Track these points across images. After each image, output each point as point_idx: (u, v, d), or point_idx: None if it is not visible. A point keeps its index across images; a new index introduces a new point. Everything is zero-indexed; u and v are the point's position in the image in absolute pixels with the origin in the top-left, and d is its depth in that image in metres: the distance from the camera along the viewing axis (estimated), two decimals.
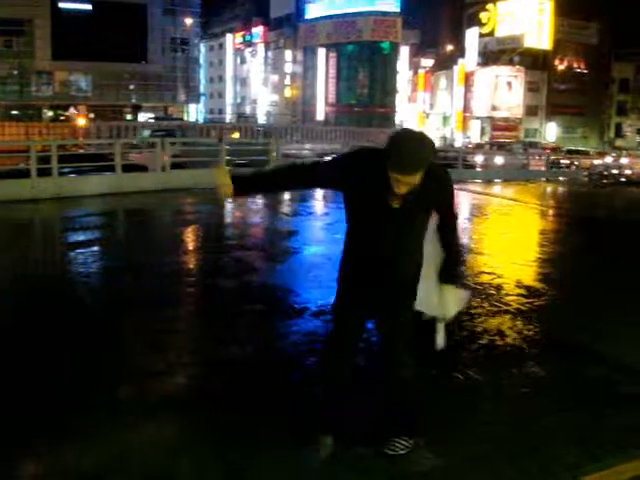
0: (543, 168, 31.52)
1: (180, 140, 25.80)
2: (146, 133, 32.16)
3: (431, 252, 3.51)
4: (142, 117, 64.71)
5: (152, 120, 53.96)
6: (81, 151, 19.28)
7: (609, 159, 41.92)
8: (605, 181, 31.65)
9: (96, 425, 3.82)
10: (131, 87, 72.23)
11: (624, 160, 43.14)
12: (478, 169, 28.21)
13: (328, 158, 3.56)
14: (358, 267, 3.43)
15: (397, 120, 72.06)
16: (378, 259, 3.34)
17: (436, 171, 3.22)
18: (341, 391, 3.62)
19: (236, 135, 40.63)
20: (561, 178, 29.81)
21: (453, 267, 3.62)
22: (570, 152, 43.41)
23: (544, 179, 28.74)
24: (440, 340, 3.63)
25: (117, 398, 4.21)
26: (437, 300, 3.59)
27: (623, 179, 33.91)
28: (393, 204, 3.17)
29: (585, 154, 43.72)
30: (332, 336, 3.64)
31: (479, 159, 31.07)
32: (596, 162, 38.33)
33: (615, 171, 36.37)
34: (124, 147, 19.00)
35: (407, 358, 3.52)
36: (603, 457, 3.58)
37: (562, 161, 35.46)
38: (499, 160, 30.57)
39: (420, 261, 3.47)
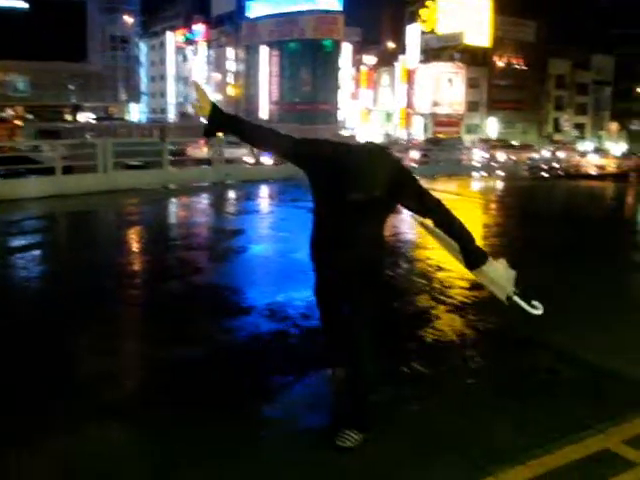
0: (479, 164, 31.78)
1: (122, 141, 25.41)
2: (29, 133, 30.73)
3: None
4: (82, 117, 63.52)
5: (93, 121, 53.01)
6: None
7: (546, 153, 42.82)
8: (545, 174, 32.38)
9: (43, 432, 3.75)
10: (70, 87, 70.80)
11: (560, 154, 44.23)
12: (414, 165, 28.13)
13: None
14: (319, 252, 3.60)
15: (340, 117, 72.32)
16: (335, 246, 3.48)
17: (393, 168, 3.28)
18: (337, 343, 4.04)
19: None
20: (500, 172, 30.27)
21: (472, 248, 3.60)
22: (511, 146, 44.42)
23: (484, 174, 29.17)
24: (529, 309, 3.71)
25: (63, 404, 4.13)
26: (490, 285, 3.71)
27: (561, 172, 34.78)
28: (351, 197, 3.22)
29: (521, 148, 44.82)
30: (318, 309, 3.97)
31: (415, 155, 31.06)
32: (535, 156, 39.16)
33: (554, 165, 37.28)
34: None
35: (367, 352, 3.55)
36: (546, 442, 3.68)
37: (499, 156, 35.79)
38: (439, 156, 30.77)
39: (377, 254, 3.57)
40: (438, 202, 3.51)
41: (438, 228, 3.62)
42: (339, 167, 3.11)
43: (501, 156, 34.58)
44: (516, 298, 3.72)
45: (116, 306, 6.52)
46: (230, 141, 18.09)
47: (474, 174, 28.61)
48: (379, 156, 3.15)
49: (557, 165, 37.78)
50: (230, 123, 3.47)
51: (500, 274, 3.67)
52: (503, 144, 47.83)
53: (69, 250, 9.84)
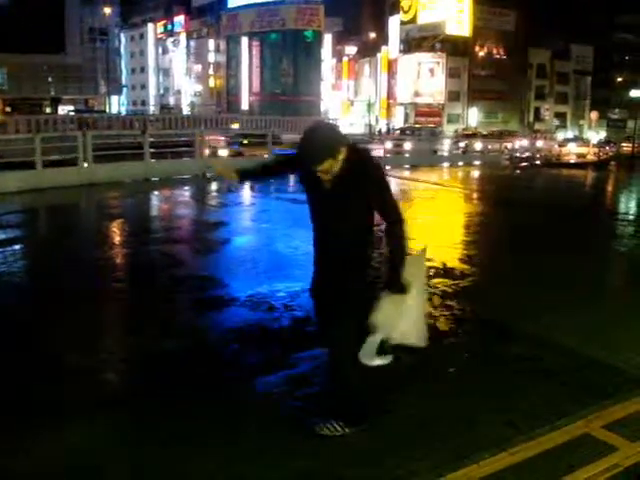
0: (447, 153, 31.58)
1: (103, 132, 25.20)
2: None
3: None
4: (62, 110, 62.91)
5: (72, 113, 52.51)
6: None
7: (525, 142, 42.75)
8: (525, 164, 32.47)
9: (25, 427, 3.73)
10: (49, 79, 70.10)
11: (539, 143, 44.25)
12: (388, 155, 27.76)
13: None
14: (314, 244, 3.65)
15: (322, 108, 72.11)
16: (320, 238, 3.57)
17: (357, 154, 3.36)
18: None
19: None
20: (477, 162, 30.24)
21: (398, 272, 3.42)
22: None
23: (461, 163, 29.17)
24: (375, 358, 3.54)
25: (46, 398, 4.11)
26: (382, 313, 3.48)
27: (542, 161, 34.86)
28: (325, 184, 3.35)
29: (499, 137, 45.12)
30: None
31: (388, 145, 30.70)
32: (516, 145, 39.14)
33: (536, 154, 37.34)
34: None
35: (353, 346, 3.54)
36: (528, 429, 3.71)
37: (476, 145, 35.52)
38: (416, 145, 30.62)
39: (362, 247, 3.57)
40: (397, 211, 3.43)
41: (385, 235, 3.48)
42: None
43: (479, 145, 34.47)
44: (374, 344, 3.54)
45: (100, 300, 6.48)
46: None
47: (452, 164, 28.61)
48: (322, 131, 3.34)
49: (538, 154, 37.88)
50: (254, 176, 4.22)
51: (392, 317, 3.48)
52: (499, 134, 48.13)
53: (51, 244, 9.75)
